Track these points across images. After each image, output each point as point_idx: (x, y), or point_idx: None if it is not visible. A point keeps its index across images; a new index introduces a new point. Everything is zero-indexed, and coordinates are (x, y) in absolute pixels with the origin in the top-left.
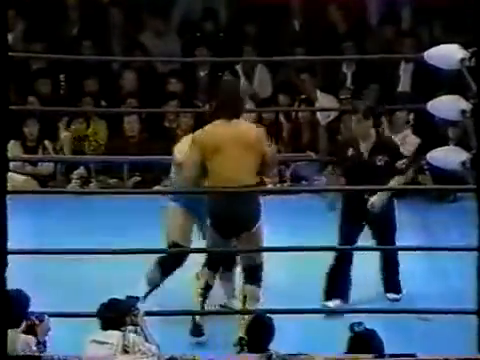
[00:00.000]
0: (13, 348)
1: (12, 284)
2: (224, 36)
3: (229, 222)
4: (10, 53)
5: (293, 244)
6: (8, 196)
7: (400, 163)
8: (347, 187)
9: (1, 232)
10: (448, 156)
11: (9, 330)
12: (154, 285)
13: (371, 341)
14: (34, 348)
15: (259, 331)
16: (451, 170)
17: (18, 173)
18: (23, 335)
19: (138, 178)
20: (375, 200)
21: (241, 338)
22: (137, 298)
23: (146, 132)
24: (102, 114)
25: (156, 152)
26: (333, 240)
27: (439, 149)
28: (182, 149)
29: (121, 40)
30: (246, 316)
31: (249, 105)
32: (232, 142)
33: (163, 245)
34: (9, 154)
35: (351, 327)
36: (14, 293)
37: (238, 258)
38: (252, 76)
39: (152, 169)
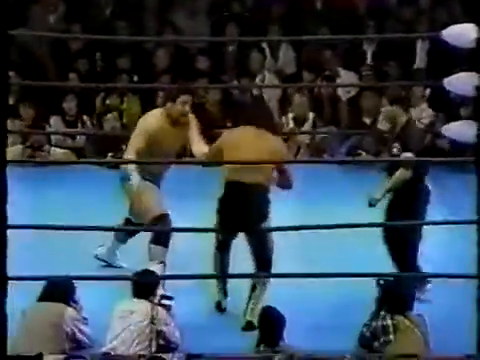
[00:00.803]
0: (61, 321)
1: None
2: (250, 16)
3: (234, 219)
4: (51, 34)
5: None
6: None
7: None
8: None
9: (1, 203)
10: (463, 129)
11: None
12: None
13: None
14: (81, 318)
15: (270, 324)
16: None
17: (58, 147)
18: (70, 308)
19: None
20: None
21: (249, 322)
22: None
23: None
24: (136, 90)
25: None
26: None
27: (454, 123)
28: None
29: (154, 20)
30: (255, 300)
31: (274, 81)
32: (253, 144)
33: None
34: (52, 128)
35: (377, 282)
36: (63, 280)
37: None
38: (277, 54)
39: None
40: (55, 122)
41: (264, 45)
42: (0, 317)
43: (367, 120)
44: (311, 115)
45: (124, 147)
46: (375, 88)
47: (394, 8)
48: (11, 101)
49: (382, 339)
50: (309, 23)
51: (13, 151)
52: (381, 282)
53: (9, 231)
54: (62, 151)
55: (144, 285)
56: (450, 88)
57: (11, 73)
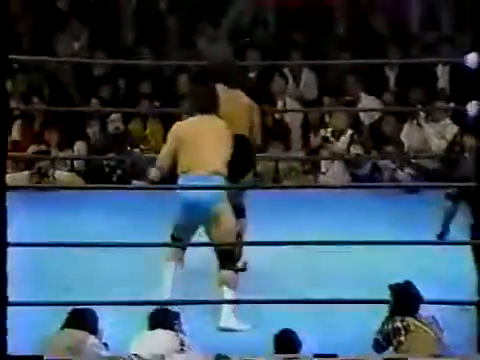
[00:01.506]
0: (83, 347)
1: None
2: (273, 41)
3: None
4: (75, 60)
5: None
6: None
7: None
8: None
9: (1, 226)
10: None
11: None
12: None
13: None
14: (102, 346)
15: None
16: None
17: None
18: (92, 336)
19: None
20: None
21: None
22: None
23: None
24: (158, 115)
25: None
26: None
27: None
28: None
29: (176, 45)
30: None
31: (295, 106)
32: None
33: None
34: (76, 153)
35: (389, 287)
36: (88, 311)
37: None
38: (299, 79)
39: None
40: (79, 147)
41: (286, 70)
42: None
43: (389, 144)
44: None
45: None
46: (397, 113)
47: (417, 33)
48: (36, 127)
49: (394, 341)
50: (331, 48)
51: (19, 177)
52: (393, 286)
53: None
54: (66, 174)
55: (169, 313)
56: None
57: (35, 99)
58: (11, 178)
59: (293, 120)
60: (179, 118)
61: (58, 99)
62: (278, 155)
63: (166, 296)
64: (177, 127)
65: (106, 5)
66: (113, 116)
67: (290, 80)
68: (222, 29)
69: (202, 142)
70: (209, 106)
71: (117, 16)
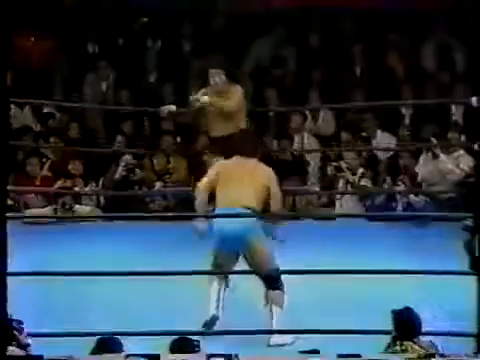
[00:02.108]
0: None
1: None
2: (291, 80)
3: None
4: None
5: None
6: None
7: None
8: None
9: (1, 254)
10: None
11: None
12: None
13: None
14: None
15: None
16: None
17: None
18: None
19: None
20: None
21: None
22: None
23: None
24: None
25: None
26: None
27: None
28: None
29: (198, 83)
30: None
31: (313, 141)
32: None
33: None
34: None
35: (392, 312)
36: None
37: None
38: (317, 115)
39: None
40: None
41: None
42: None
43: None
44: (361, 169)
45: None
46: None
47: (433, 72)
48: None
49: None
50: (348, 86)
51: (41, 212)
52: (394, 312)
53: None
54: (87, 208)
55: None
56: None
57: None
58: (31, 213)
59: (311, 156)
60: (200, 154)
61: (85, 133)
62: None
63: (211, 313)
64: (218, 164)
65: (133, 47)
66: (127, 157)
67: (308, 117)
68: (243, 68)
69: (238, 179)
70: (247, 150)
71: (143, 57)
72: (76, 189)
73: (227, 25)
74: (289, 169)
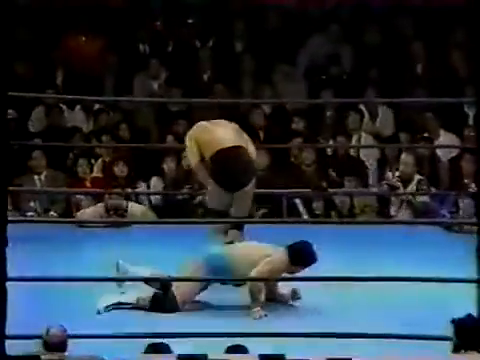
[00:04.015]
0: None
1: None
2: (348, 78)
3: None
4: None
5: None
6: None
7: None
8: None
9: (1, 259)
10: None
11: None
12: None
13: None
14: None
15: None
16: None
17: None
18: None
19: (265, 210)
20: None
21: None
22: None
23: (273, 166)
24: None
25: (281, 186)
26: None
27: None
28: None
29: (251, 83)
30: None
31: (371, 141)
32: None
33: None
34: (152, 188)
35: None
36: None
37: None
38: (375, 115)
39: (278, 202)
40: (155, 182)
41: (362, 106)
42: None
43: (467, 182)
44: (417, 176)
45: None
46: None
47: None
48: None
49: None
50: (407, 85)
51: (90, 212)
52: (454, 320)
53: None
54: (141, 208)
55: None
56: None
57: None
58: (82, 214)
59: (369, 157)
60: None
61: (136, 135)
62: (351, 190)
63: None
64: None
65: (184, 46)
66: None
67: (366, 116)
68: (298, 66)
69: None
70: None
71: (195, 55)
72: (127, 190)
73: (281, 23)
74: (347, 169)
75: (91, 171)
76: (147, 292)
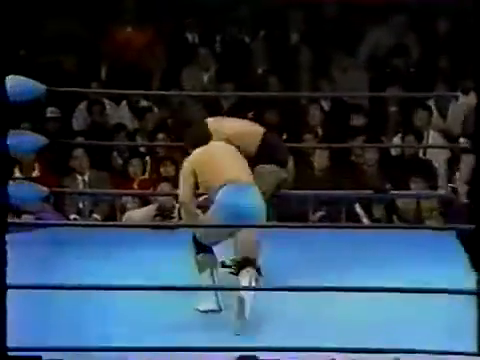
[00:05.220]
0: None
1: None
2: (415, 71)
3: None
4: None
5: None
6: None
7: None
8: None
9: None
10: None
11: None
12: None
13: None
14: None
15: None
16: None
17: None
18: None
19: (323, 213)
20: None
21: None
22: None
23: (334, 166)
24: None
25: (343, 186)
26: None
27: None
28: None
29: (308, 76)
30: None
31: (440, 140)
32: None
33: None
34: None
35: None
36: None
37: None
38: (446, 112)
39: (338, 203)
40: None
41: (430, 102)
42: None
43: None
44: None
45: None
46: None
47: None
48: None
49: None
50: None
51: (137, 215)
52: None
53: None
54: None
55: None
56: None
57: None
58: (128, 216)
59: (437, 156)
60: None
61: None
62: (417, 192)
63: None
64: (187, 161)
65: (235, 37)
66: None
67: (435, 112)
68: (358, 58)
69: (219, 157)
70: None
71: (246, 47)
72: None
73: (340, 13)
74: (414, 168)
75: (143, 172)
76: None
